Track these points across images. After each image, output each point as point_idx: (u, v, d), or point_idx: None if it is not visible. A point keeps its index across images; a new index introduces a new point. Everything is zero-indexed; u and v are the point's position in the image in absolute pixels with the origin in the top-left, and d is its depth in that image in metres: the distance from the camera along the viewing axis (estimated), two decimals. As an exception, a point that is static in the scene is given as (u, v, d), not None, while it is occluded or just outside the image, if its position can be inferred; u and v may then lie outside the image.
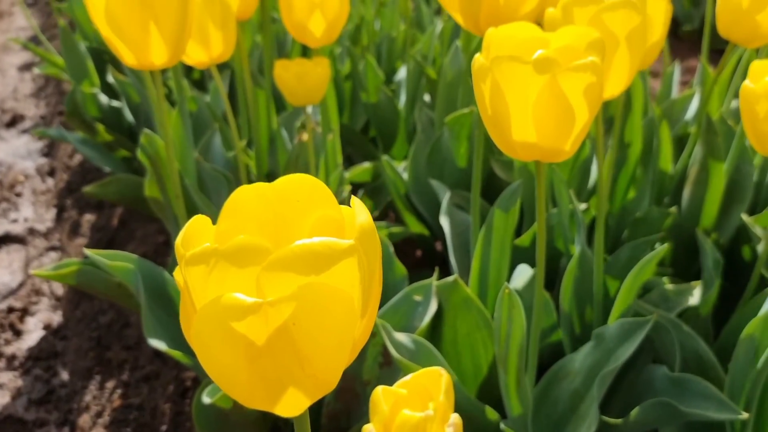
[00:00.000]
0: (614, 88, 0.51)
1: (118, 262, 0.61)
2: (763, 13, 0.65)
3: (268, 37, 0.84)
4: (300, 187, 0.30)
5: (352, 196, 0.29)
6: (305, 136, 0.85)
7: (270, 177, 0.88)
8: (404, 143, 1.10)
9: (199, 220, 0.28)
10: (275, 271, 0.24)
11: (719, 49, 2.26)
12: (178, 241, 0.26)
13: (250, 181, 0.86)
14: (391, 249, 0.70)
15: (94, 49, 1.23)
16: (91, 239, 1.24)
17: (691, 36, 2.35)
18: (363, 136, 1.15)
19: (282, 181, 0.30)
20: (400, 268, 0.69)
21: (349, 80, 1.18)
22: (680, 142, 0.89)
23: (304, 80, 0.71)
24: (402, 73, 1.17)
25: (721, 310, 0.76)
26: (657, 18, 0.61)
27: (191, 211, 0.72)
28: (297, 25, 0.72)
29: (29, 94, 2.04)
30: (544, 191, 0.45)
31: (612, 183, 0.84)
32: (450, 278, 0.59)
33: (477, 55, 0.42)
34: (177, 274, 0.27)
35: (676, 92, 1.07)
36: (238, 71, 0.81)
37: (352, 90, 1.18)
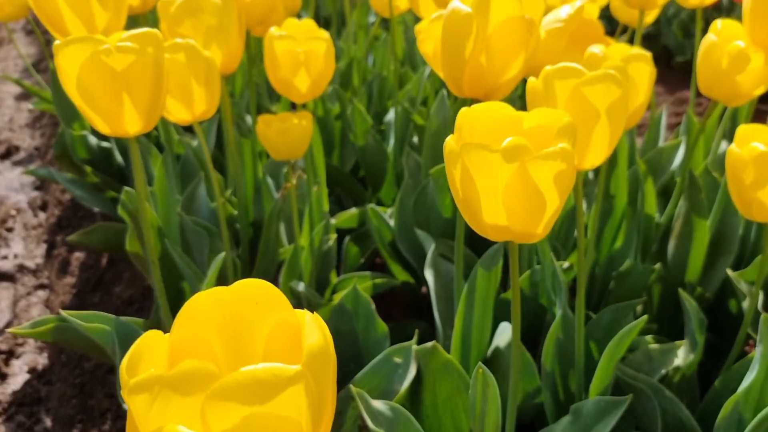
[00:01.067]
0: (594, 159, 0.51)
1: (95, 324, 0.60)
2: (743, 73, 0.65)
3: (253, 90, 0.84)
4: (257, 292, 0.30)
5: (306, 312, 0.28)
6: (290, 185, 0.85)
7: (255, 226, 0.88)
8: (393, 186, 1.10)
9: (149, 338, 0.28)
10: (219, 400, 0.24)
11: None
12: (123, 365, 0.26)
13: (233, 232, 0.86)
14: (373, 306, 0.69)
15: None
16: (79, 278, 1.23)
17: (684, 67, 2.36)
18: (352, 177, 1.15)
19: (239, 285, 0.30)
20: (382, 327, 0.68)
21: (339, 120, 1.19)
22: (666, 191, 0.89)
23: (286, 136, 0.71)
24: (392, 114, 1.18)
25: (707, 366, 0.75)
26: (641, 81, 0.61)
27: (172, 271, 0.71)
28: (282, 82, 0.72)
29: (25, 124, 2.05)
30: (517, 270, 0.45)
31: (598, 233, 0.84)
32: (429, 344, 0.59)
33: (448, 139, 0.42)
34: (124, 395, 0.27)
35: (664, 131, 1.07)
36: (223, 118, 0.81)
37: (342, 130, 1.18)
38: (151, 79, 0.51)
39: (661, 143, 1.05)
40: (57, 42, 0.49)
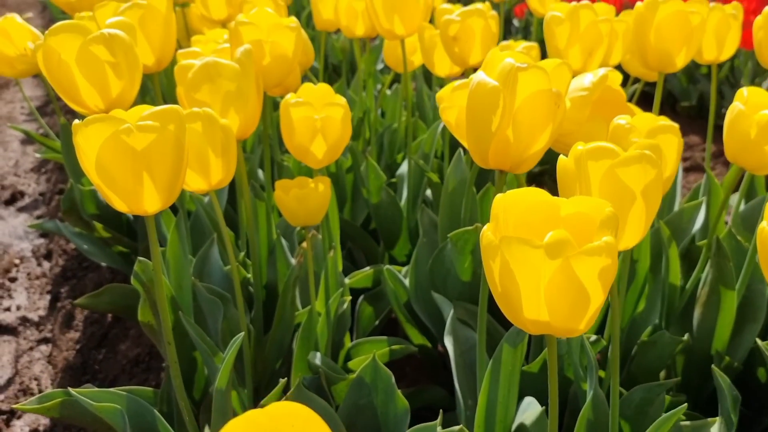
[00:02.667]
0: (630, 240, 0.49)
1: (105, 404, 0.57)
2: (773, 143, 0.63)
3: (267, 147, 0.83)
4: (293, 416, 0.29)
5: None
6: (305, 248, 0.84)
7: (268, 288, 0.86)
8: (407, 242, 1.08)
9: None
10: None
11: (719, 124, 2.29)
12: None
13: (247, 295, 0.84)
14: (393, 380, 0.67)
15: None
16: (83, 333, 1.21)
17: (689, 111, 2.37)
18: (364, 231, 1.13)
19: (275, 409, 0.29)
20: (402, 402, 0.66)
21: (350, 173, 1.17)
22: (688, 254, 0.87)
23: (305, 203, 0.70)
24: (404, 167, 1.17)
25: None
26: (670, 153, 0.60)
27: (185, 341, 0.69)
28: (298, 148, 0.71)
29: (30, 168, 2.04)
30: (555, 364, 0.42)
31: (621, 297, 0.82)
32: (455, 428, 0.56)
33: (485, 229, 0.40)
34: None
35: (680, 187, 1.05)
36: (238, 181, 0.79)
37: (354, 183, 1.17)
38: (172, 157, 0.50)
39: (677, 193, 1.03)
40: (76, 121, 0.48)
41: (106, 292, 0.88)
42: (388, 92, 1.68)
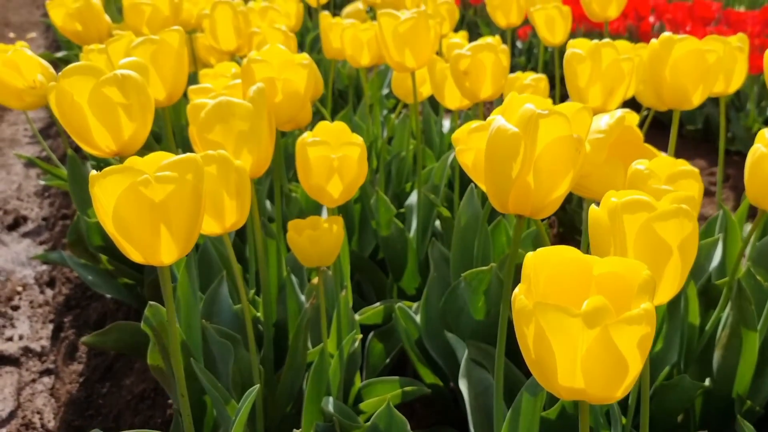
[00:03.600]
0: (665, 295, 0.48)
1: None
2: (796, 187, 0.62)
3: (279, 193, 0.82)
4: None
5: None
6: (315, 282, 0.82)
7: (278, 326, 0.84)
8: (415, 275, 1.07)
9: None
10: None
11: (727, 149, 2.28)
12: None
13: (257, 334, 0.82)
14: (408, 427, 0.65)
15: (101, 170, 1.22)
16: (87, 365, 1.19)
17: (694, 135, 2.37)
18: (372, 262, 1.12)
19: None
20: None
21: (358, 203, 1.16)
22: (706, 292, 0.85)
23: (317, 244, 0.68)
24: (413, 198, 1.15)
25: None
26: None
27: (194, 385, 0.67)
28: (314, 188, 0.70)
29: (34, 192, 2.03)
30: (587, 429, 0.41)
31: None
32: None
33: (518, 292, 0.39)
34: None
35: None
36: (249, 219, 0.78)
37: (361, 214, 1.16)
38: (190, 207, 0.49)
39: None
40: (93, 172, 0.47)
41: (113, 330, 0.86)
42: (393, 117, 1.68)
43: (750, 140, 2.13)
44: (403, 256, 1.05)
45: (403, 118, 1.41)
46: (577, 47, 0.77)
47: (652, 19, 2.53)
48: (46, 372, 1.25)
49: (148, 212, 0.47)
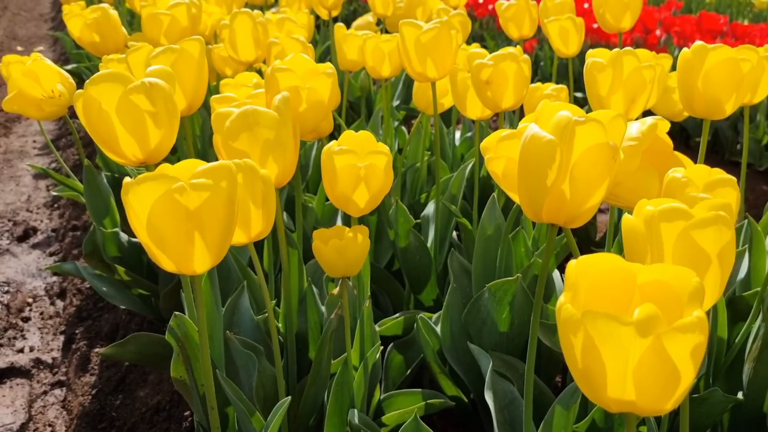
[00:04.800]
0: (705, 304, 0.47)
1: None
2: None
3: (299, 203, 0.81)
4: None
5: None
6: (335, 292, 0.81)
7: (299, 337, 0.83)
8: (434, 286, 1.06)
9: None
10: None
11: (735, 161, 2.28)
12: None
13: (279, 345, 0.81)
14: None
15: (116, 180, 1.22)
16: (99, 377, 1.18)
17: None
18: (388, 273, 1.11)
19: None
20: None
21: (374, 215, 1.16)
22: (732, 304, 0.84)
23: (344, 254, 0.68)
24: (429, 208, 1.15)
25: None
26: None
27: (217, 396, 0.66)
28: (340, 197, 0.69)
29: (43, 203, 2.02)
30: (635, 442, 0.40)
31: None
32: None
33: (563, 301, 0.38)
34: None
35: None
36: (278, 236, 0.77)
37: (378, 224, 1.15)
38: (224, 215, 0.48)
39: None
40: (127, 179, 0.46)
41: (131, 341, 0.85)
42: (404, 129, 1.67)
43: (760, 152, 2.12)
44: (421, 267, 1.05)
45: (417, 129, 1.41)
46: (597, 56, 0.77)
47: (659, 32, 2.53)
48: (58, 384, 1.23)
49: (183, 220, 0.46)
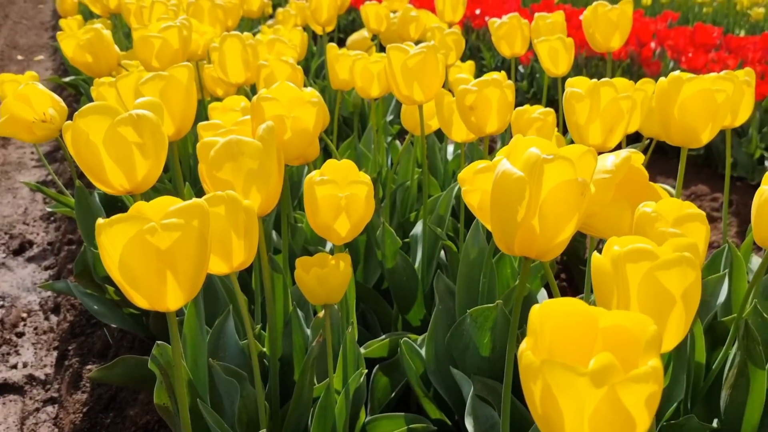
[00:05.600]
0: (669, 343, 0.48)
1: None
2: (802, 229, 0.63)
3: (286, 227, 0.82)
4: None
5: None
6: (321, 316, 0.82)
7: (283, 361, 0.84)
8: (421, 306, 1.07)
9: None
10: None
11: (722, 174, 2.29)
12: None
13: (263, 370, 0.82)
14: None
15: (108, 198, 1.23)
16: (91, 395, 1.19)
17: (696, 161, 2.38)
18: (376, 292, 1.12)
19: None
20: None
21: (363, 234, 1.17)
22: (711, 329, 0.85)
23: (325, 282, 0.69)
24: (418, 228, 1.16)
25: None
26: (698, 243, 0.59)
27: (199, 424, 0.67)
28: (321, 226, 0.70)
29: (39, 216, 2.04)
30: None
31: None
32: None
33: (524, 347, 0.39)
34: None
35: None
36: (262, 261, 0.78)
37: (366, 244, 1.16)
38: (196, 253, 0.49)
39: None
40: (100, 220, 0.48)
41: (119, 364, 0.86)
42: (398, 143, 1.68)
43: (752, 166, 2.13)
44: (408, 287, 1.06)
45: (408, 146, 1.42)
46: (576, 86, 0.78)
47: (653, 45, 2.55)
48: (50, 401, 1.24)
49: (155, 260, 0.47)
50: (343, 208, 0.69)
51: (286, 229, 0.85)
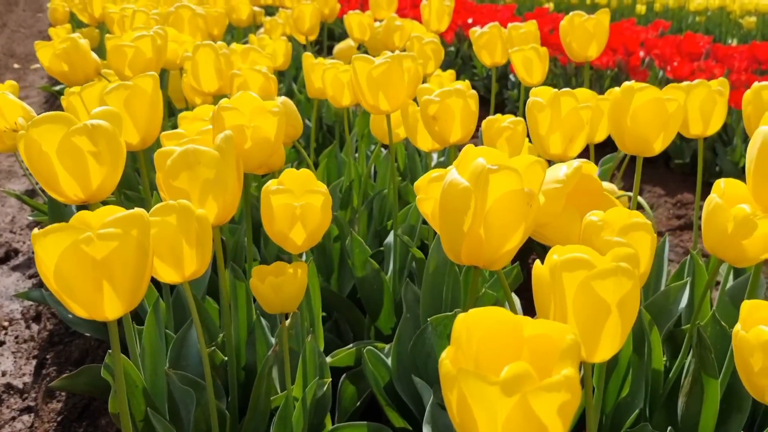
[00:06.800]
0: (605, 353, 0.48)
1: None
2: (749, 239, 0.63)
3: (250, 234, 0.83)
4: None
5: None
6: (288, 322, 0.83)
7: (247, 370, 0.84)
8: (391, 315, 1.07)
9: None
10: None
11: (713, 182, 2.29)
12: None
13: (225, 379, 0.82)
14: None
15: (85, 209, 1.24)
16: (65, 404, 1.19)
17: (682, 169, 2.38)
18: (350, 301, 1.12)
19: None
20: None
21: (338, 242, 1.17)
22: (672, 337, 0.85)
23: (280, 292, 0.69)
24: (391, 237, 1.16)
25: None
26: (643, 251, 0.59)
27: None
28: (277, 235, 0.71)
29: (27, 225, 2.04)
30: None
31: (604, 382, 0.81)
32: None
33: (444, 357, 0.39)
34: None
35: (666, 257, 1.04)
36: (218, 267, 0.79)
37: (341, 253, 1.17)
38: (134, 263, 0.49)
39: (664, 264, 1.02)
40: (36, 230, 0.48)
41: (84, 373, 0.86)
42: (383, 150, 1.69)
43: (737, 174, 2.13)
44: (378, 296, 1.06)
45: (387, 155, 1.43)
46: (539, 95, 0.79)
47: (642, 53, 2.55)
48: (26, 410, 1.24)
49: (90, 270, 0.47)
50: (298, 217, 0.69)
51: (250, 237, 0.85)
